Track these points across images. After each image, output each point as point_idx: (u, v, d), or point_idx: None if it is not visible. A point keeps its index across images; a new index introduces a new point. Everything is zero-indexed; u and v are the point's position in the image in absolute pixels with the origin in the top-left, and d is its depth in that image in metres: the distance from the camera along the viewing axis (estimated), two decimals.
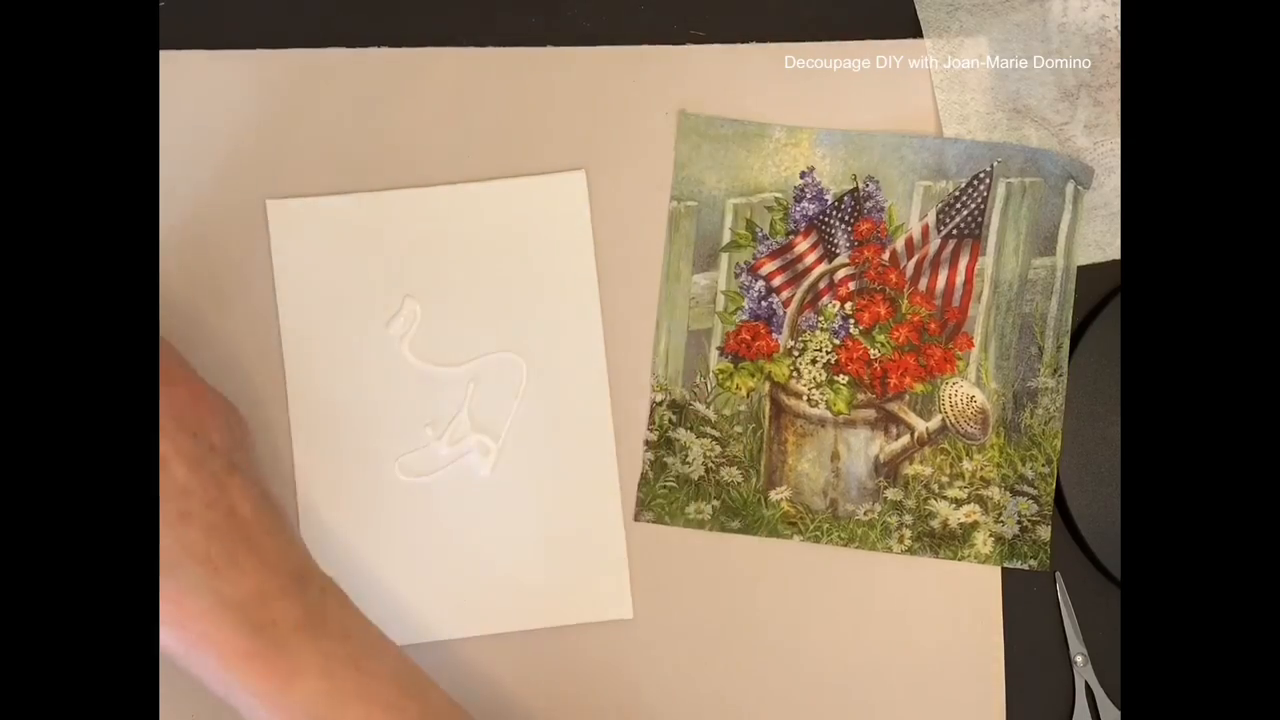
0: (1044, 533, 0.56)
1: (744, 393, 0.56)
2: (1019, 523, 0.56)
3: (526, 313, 0.56)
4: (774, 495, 0.56)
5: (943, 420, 0.56)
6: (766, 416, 0.56)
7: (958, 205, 0.56)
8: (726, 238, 0.57)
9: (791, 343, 0.56)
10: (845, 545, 0.56)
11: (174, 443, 0.44)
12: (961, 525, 0.56)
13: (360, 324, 0.55)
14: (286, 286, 0.55)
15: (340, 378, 0.55)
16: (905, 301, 0.56)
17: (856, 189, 0.57)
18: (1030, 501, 0.56)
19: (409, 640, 0.54)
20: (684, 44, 0.57)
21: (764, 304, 0.56)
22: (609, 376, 0.56)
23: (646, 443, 0.56)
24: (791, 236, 0.57)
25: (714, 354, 0.56)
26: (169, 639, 0.43)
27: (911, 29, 0.58)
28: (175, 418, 0.45)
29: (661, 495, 0.56)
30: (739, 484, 0.56)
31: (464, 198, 0.56)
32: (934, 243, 0.57)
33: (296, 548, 0.47)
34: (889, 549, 0.56)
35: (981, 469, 0.56)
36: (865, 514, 0.56)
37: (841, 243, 0.57)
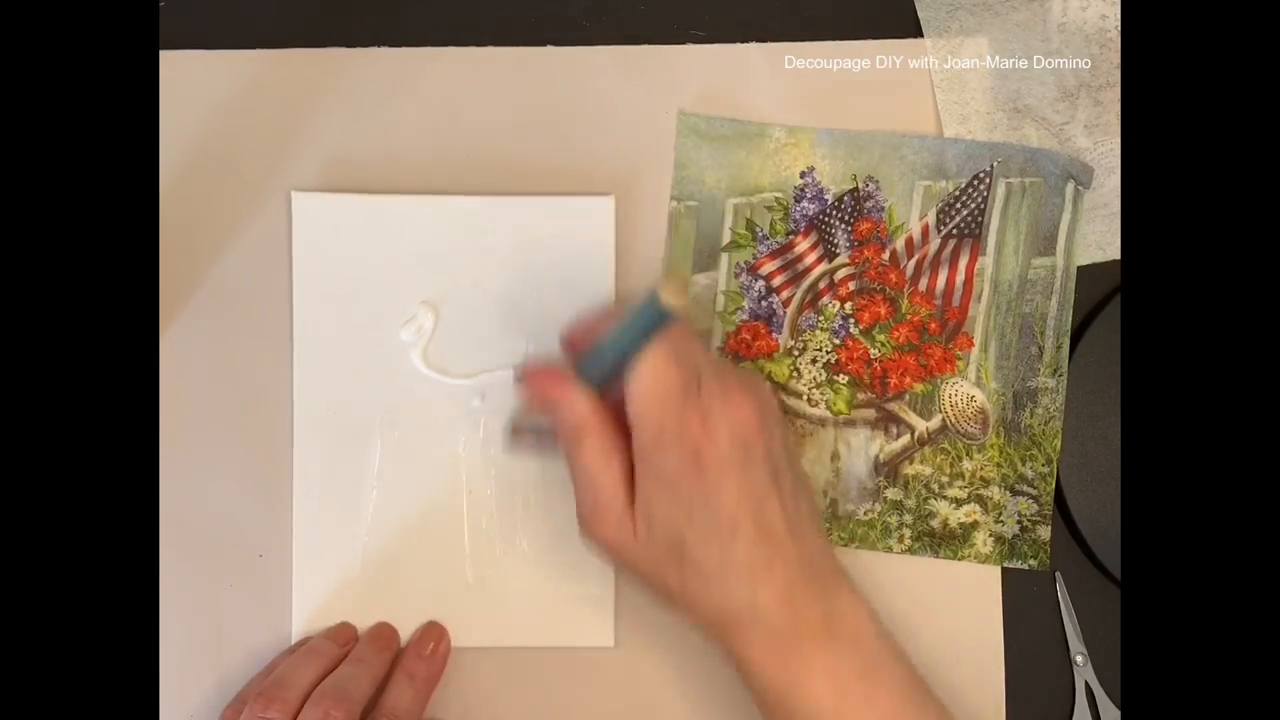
0: (1044, 533, 0.56)
1: None
2: (1019, 523, 0.56)
3: (539, 330, 0.55)
4: None
5: (943, 420, 0.56)
6: None
7: (958, 205, 0.56)
8: (726, 238, 0.57)
9: (791, 343, 0.56)
10: (845, 545, 0.56)
11: (729, 459, 0.45)
12: (961, 525, 0.56)
13: (373, 327, 0.55)
14: (303, 281, 0.55)
15: (348, 379, 0.55)
16: (905, 301, 0.56)
17: (856, 189, 0.57)
18: (1030, 501, 0.56)
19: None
20: (684, 44, 0.57)
21: (764, 304, 0.56)
22: None
23: None
24: (791, 236, 0.57)
25: (714, 354, 0.56)
26: (714, 634, 0.47)
27: (911, 29, 0.58)
28: (728, 431, 0.45)
29: None
30: None
31: (492, 210, 0.55)
32: (934, 243, 0.57)
33: (824, 551, 0.48)
34: (889, 549, 0.56)
35: (981, 469, 0.56)
36: (865, 514, 0.56)
37: (841, 243, 0.57)
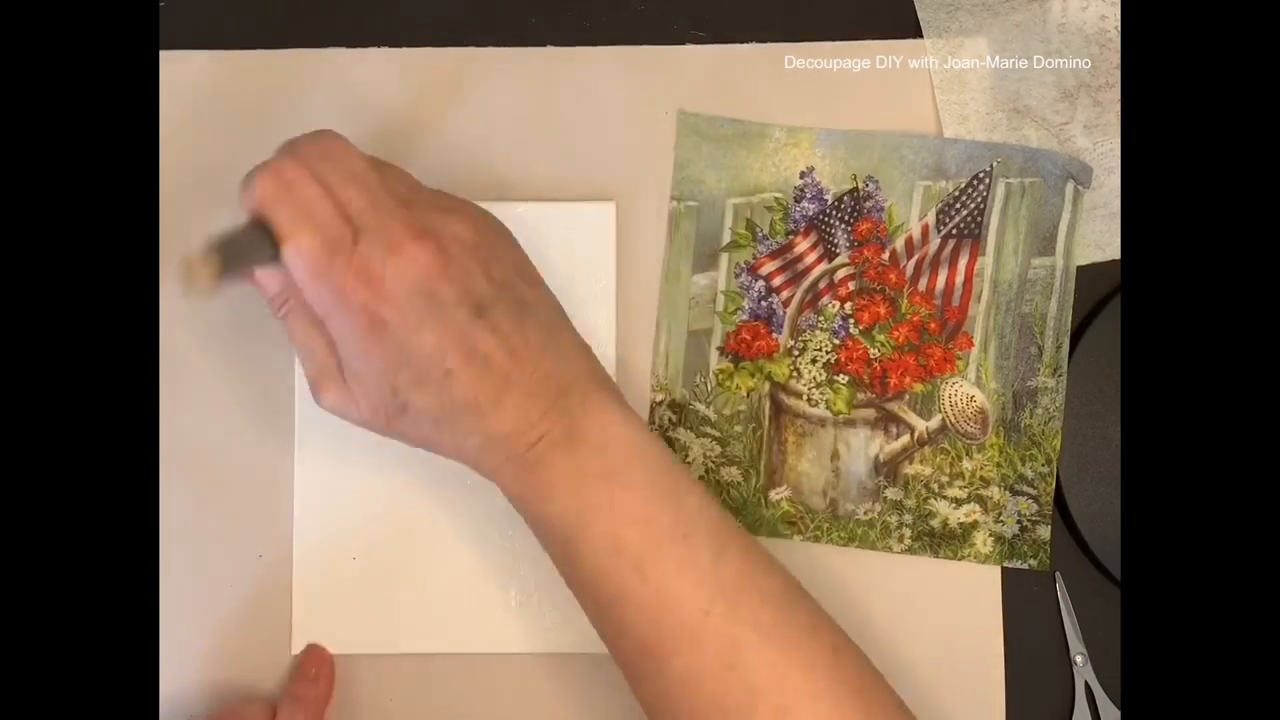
0: (1044, 532, 0.56)
1: (744, 393, 0.56)
2: (1019, 522, 0.56)
3: None
4: (774, 495, 0.56)
5: (942, 420, 0.56)
6: (766, 416, 0.56)
7: (957, 205, 0.56)
8: (726, 238, 0.57)
9: (791, 342, 0.56)
10: (845, 545, 0.56)
11: (412, 312, 0.43)
12: (961, 525, 0.56)
13: None
14: None
15: None
16: (905, 301, 0.56)
17: (856, 189, 0.57)
18: (1030, 501, 0.56)
19: (394, 650, 0.54)
20: (684, 44, 0.57)
21: (764, 304, 0.56)
22: None
23: None
24: (791, 236, 0.57)
25: (714, 354, 0.56)
26: (475, 472, 0.47)
27: (911, 29, 0.58)
28: (401, 285, 0.43)
29: None
30: (739, 484, 0.56)
31: (497, 214, 0.55)
32: (934, 243, 0.57)
33: (558, 362, 0.46)
34: (889, 549, 0.56)
35: (981, 469, 0.56)
36: (865, 514, 0.56)
37: (841, 243, 0.57)
